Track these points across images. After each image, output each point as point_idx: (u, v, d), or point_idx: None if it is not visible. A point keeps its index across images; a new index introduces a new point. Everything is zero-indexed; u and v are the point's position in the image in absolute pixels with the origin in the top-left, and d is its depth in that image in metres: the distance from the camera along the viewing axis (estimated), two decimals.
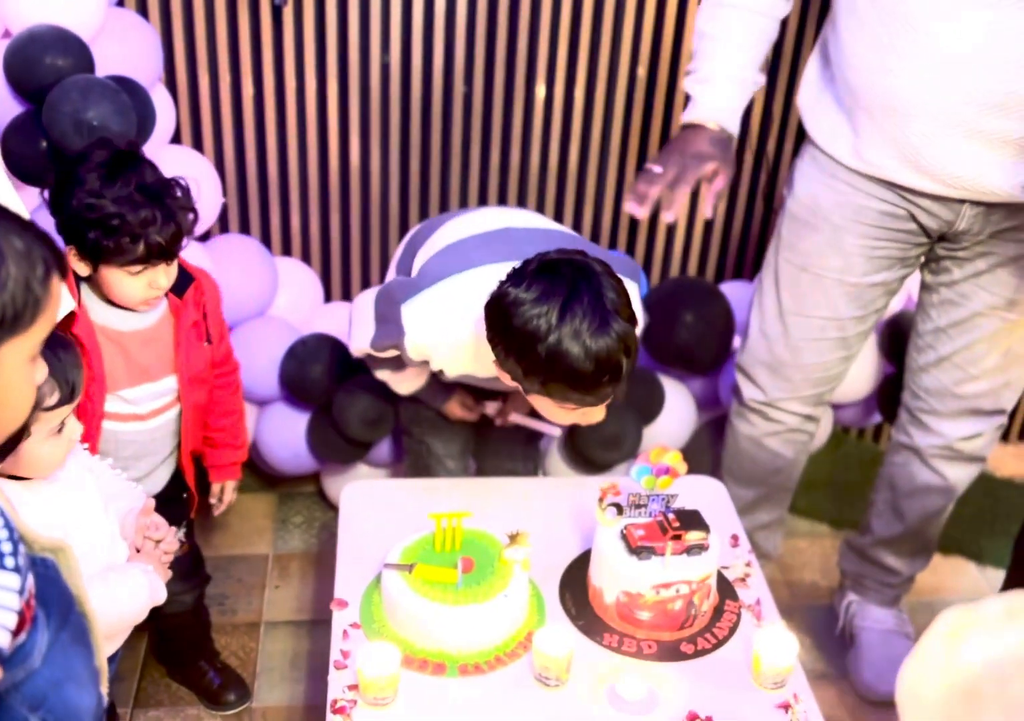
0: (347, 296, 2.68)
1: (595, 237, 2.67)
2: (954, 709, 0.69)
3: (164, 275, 1.63)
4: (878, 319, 1.99)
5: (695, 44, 1.87)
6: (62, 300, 0.98)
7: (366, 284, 2.67)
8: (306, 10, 2.33)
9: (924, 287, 1.96)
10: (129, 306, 1.66)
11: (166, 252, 1.60)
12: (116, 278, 1.61)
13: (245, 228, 2.57)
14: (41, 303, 0.92)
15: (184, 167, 2.22)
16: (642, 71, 2.47)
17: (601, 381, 1.47)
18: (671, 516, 1.64)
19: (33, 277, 0.91)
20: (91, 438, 1.66)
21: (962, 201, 1.76)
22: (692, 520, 1.64)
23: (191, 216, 1.65)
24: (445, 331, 1.67)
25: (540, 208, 2.61)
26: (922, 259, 1.92)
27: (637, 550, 1.60)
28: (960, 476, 2.06)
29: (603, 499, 1.65)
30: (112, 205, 1.55)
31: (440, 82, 2.44)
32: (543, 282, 1.45)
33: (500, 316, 1.49)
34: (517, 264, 1.54)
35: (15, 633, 0.93)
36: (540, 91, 2.48)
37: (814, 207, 1.87)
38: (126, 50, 2.08)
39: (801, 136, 2.02)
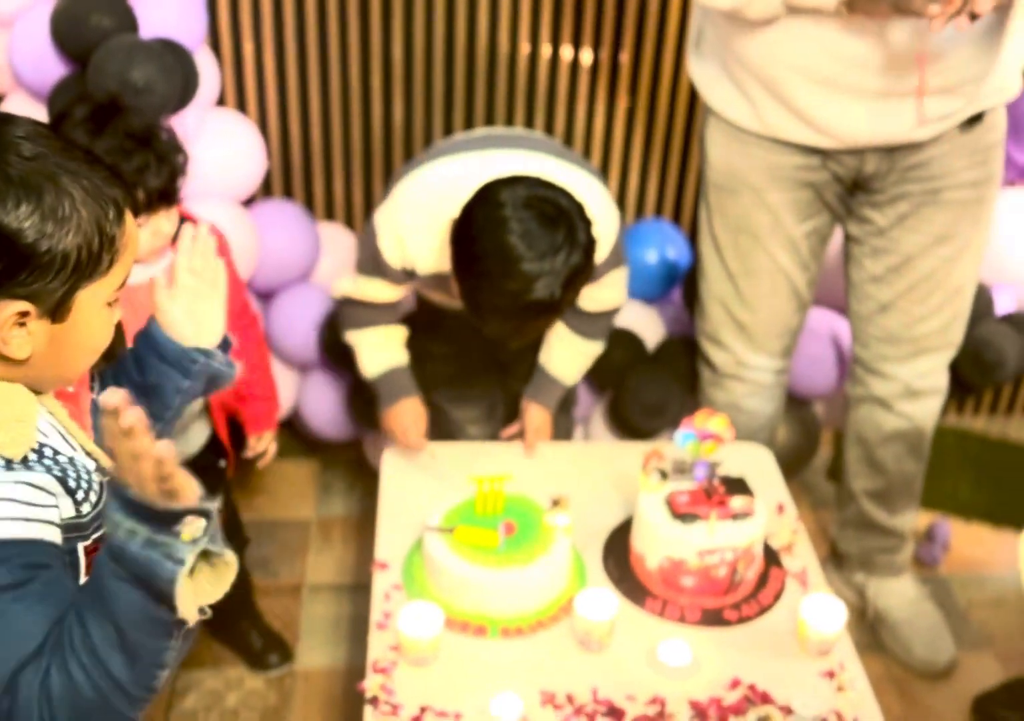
0: None
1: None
2: None
3: (167, 221, 1.62)
4: (819, 266, 2.02)
5: None
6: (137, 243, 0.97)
7: None
8: None
9: (850, 239, 1.98)
10: (137, 259, 1.65)
11: (166, 195, 1.59)
12: None
13: (288, 193, 2.57)
14: (117, 245, 0.93)
15: (229, 131, 2.24)
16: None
17: (511, 324, 1.55)
18: (716, 482, 1.61)
19: (105, 218, 0.91)
20: None
21: (864, 149, 1.80)
22: (737, 486, 1.62)
23: (180, 157, 1.63)
24: (415, 217, 1.68)
25: None
26: (845, 206, 1.94)
27: (681, 516, 1.58)
28: (925, 411, 2.06)
29: (647, 465, 1.64)
30: (104, 157, 1.53)
31: (484, 47, 2.41)
32: (536, 224, 1.49)
33: (478, 216, 1.52)
34: (494, 156, 1.60)
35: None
36: (586, 57, 2.44)
37: (731, 173, 1.90)
38: (170, 12, 2.07)
39: None
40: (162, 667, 0.90)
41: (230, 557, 0.88)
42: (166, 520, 0.84)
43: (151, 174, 1.55)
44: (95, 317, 0.95)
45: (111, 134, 1.54)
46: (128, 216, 0.94)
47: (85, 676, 0.86)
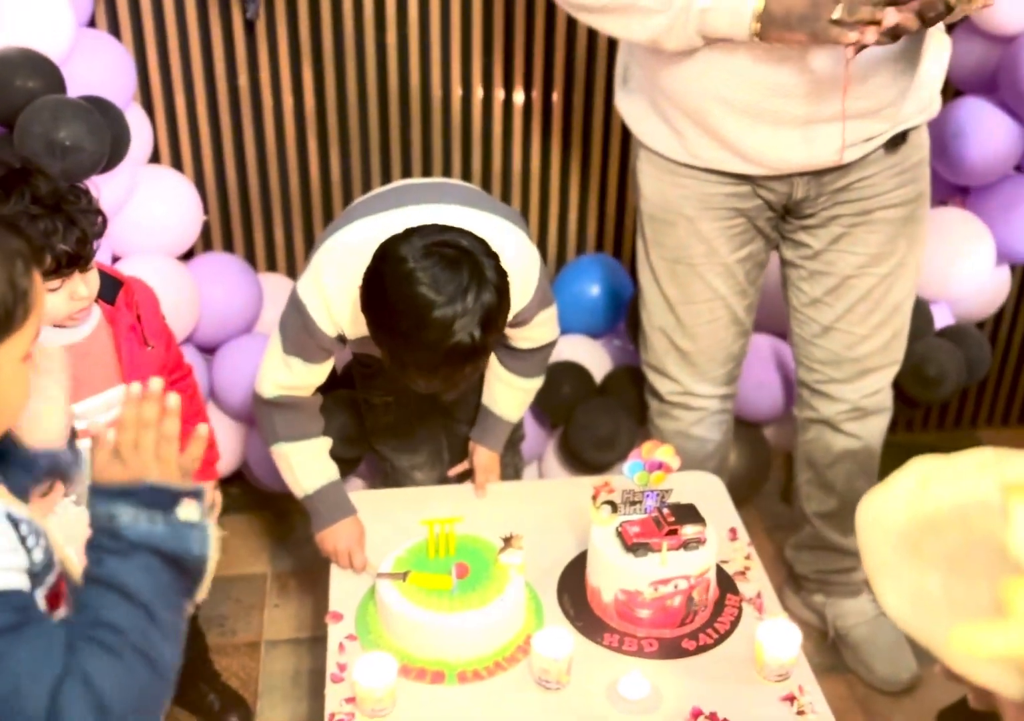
0: None
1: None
2: (912, 532, 0.73)
3: (83, 284, 1.60)
4: (758, 292, 2.05)
5: None
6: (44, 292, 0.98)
7: None
8: (279, 24, 2.33)
9: (786, 263, 2.01)
10: (56, 323, 1.63)
11: (76, 259, 1.56)
12: None
13: (228, 246, 2.56)
14: (29, 298, 0.92)
15: (162, 186, 2.23)
16: None
17: (440, 375, 1.53)
18: (666, 511, 1.61)
19: (15, 273, 0.91)
20: None
21: (792, 175, 1.83)
22: (688, 514, 1.62)
23: (98, 219, 1.61)
24: (337, 280, 1.66)
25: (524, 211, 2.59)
26: (779, 232, 1.97)
27: (633, 547, 1.58)
28: (873, 430, 2.08)
29: (596, 498, 1.63)
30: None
31: (418, 93, 2.44)
32: (440, 269, 1.47)
33: (383, 274, 1.50)
34: (409, 212, 1.59)
35: (52, 606, 0.98)
36: (518, 98, 2.47)
37: (664, 205, 1.92)
38: (98, 70, 2.07)
39: None
40: (179, 645, 0.97)
41: (216, 531, 0.99)
42: (170, 504, 0.96)
43: (58, 238, 1.53)
44: (13, 374, 0.94)
45: (17, 199, 1.52)
46: (34, 266, 0.94)
47: (127, 670, 0.90)
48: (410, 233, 1.52)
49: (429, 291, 1.46)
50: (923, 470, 0.77)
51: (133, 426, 0.97)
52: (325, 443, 1.86)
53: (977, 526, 0.70)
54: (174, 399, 0.99)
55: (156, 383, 1.00)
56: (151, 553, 0.94)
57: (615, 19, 1.70)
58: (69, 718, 0.87)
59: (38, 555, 0.96)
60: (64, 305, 1.59)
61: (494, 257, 1.53)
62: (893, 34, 1.51)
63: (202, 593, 0.99)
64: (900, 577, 0.70)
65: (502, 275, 1.53)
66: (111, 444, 0.96)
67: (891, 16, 1.47)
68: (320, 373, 1.80)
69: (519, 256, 1.69)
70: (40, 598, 0.96)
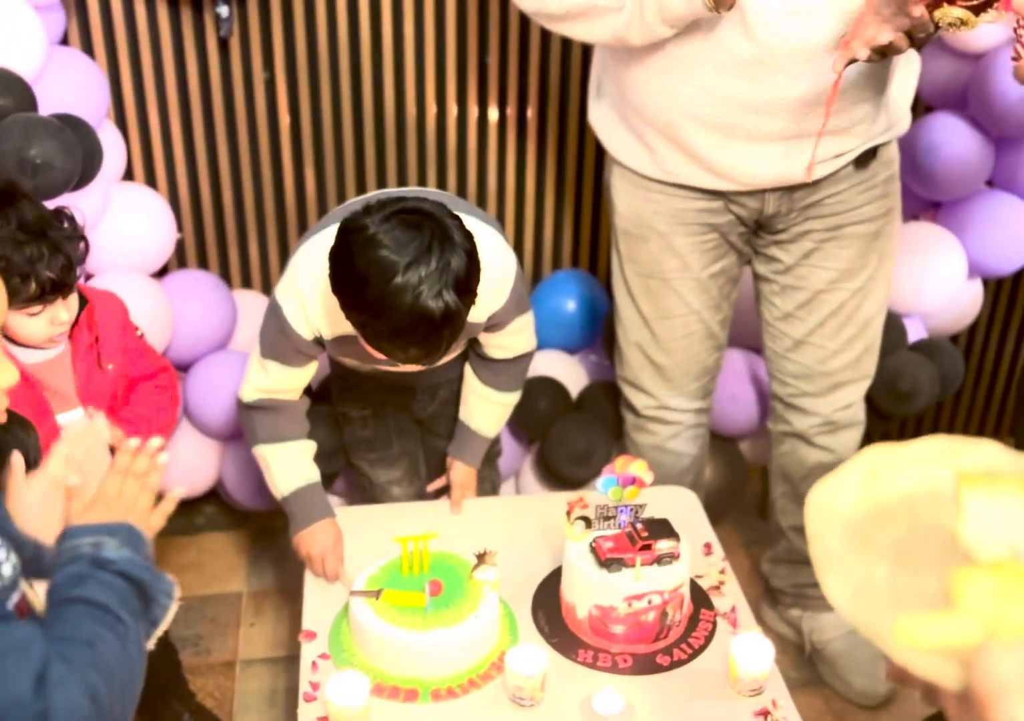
0: None
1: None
2: (861, 522, 0.72)
3: (64, 309, 1.60)
4: (731, 306, 2.06)
5: None
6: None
7: None
8: (253, 41, 2.33)
9: (759, 278, 2.02)
10: (34, 345, 1.63)
11: (60, 286, 1.57)
12: (16, 321, 1.58)
13: (203, 263, 2.55)
14: None
15: (135, 204, 2.23)
16: None
17: (417, 342, 1.48)
18: (639, 526, 1.61)
19: None
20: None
21: (763, 190, 1.84)
22: (661, 529, 1.61)
23: (81, 245, 1.62)
24: (312, 281, 1.65)
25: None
26: (751, 247, 1.98)
27: (607, 563, 1.57)
28: (846, 443, 2.09)
29: (571, 513, 1.63)
30: None
31: (392, 109, 2.44)
32: (400, 231, 1.45)
33: (347, 245, 1.49)
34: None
35: None
36: (493, 114, 2.48)
37: (637, 220, 1.94)
38: (70, 88, 2.06)
39: None
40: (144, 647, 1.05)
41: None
42: (141, 545, 1.06)
43: (42, 266, 1.53)
44: None
45: (3, 223, 1.52)
46: None
47: (110, 661, 0.95)
48: (369, 207, 1.51)
49: (391, 253, 1.43)
50: (874, 459, 0.76)
51: (122, 474, 1.08)
52: (306, 446, 1.85)
53: (926, 515, 0.70)
54: (163, 458, 1.13)
55: (155, 441, 1.14)
56: (126, 579, 1.01)
57: (581, 24, 1.72)
58: (60, 699, 0.88)
59: (7, 570, 0.95)
60: (44, 330, 1.60)
61: (457, 218, 1.51)
62: (882, 52, 1.53)
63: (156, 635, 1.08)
64: (846, 567, 0.70)
65: (467, 236, 1.50)
66: (86, 495, 1.07)
67: (884, 35, 1.49)
68: (299, 377, 1.80)
69: (496, 257, 1.68)
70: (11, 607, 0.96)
